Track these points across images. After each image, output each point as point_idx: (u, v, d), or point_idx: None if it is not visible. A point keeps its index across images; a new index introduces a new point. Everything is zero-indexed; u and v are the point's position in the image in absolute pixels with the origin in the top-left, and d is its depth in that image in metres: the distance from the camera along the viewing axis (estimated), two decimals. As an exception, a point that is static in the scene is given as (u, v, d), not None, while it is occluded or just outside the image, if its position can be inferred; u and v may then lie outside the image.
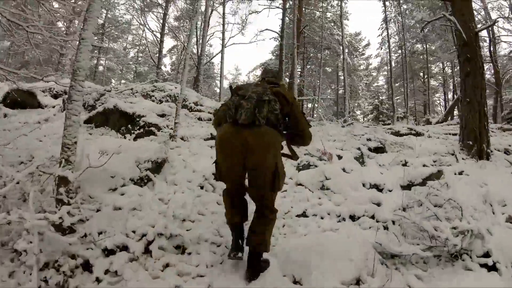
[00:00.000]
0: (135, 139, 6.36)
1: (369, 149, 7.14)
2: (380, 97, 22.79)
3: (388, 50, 20.63)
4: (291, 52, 16.59)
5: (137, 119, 7.00)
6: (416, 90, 29.51)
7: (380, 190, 4.78)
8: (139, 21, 22.56)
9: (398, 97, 31.20)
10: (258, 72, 36.03)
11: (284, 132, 2.97)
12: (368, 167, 6.05)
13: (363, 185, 4.63)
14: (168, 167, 4.22)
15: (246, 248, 2.83)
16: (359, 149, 6.87)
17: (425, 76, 29.83)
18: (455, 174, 5.55)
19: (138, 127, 6.83)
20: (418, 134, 10.44)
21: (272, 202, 2.88)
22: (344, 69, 15.11)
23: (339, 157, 6.27)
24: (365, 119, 29.70)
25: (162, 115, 7.35)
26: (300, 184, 4.56)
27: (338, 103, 31.52)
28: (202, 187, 4.04)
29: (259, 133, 2.65)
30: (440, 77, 30.53)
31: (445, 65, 29.17)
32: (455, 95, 30.78)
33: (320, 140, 7.19)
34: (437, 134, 10.58)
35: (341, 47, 25.57)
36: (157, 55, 21.53)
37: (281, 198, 4.26)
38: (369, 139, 7.73)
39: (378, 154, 7.12)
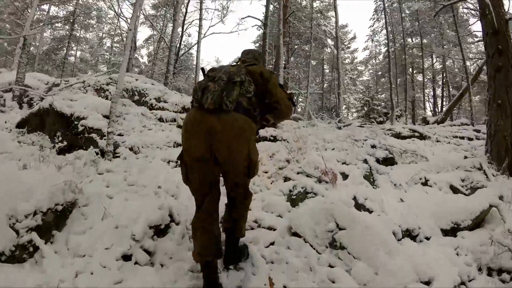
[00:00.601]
0: (59, 153, 4.62)
1: (377, 161, 5.65)
2: (370, 92, 20.97)
3: (380, 41, 19.07)
4: (275, 42, 14.92)
5: (75, 122, 5.26)
6: (404, 85, 28.23)
7: (414, 238, 3.23)
8: (112, 9, 20.14)
9: (384, 94, 29.98)
10: (240, 64, 34.24)
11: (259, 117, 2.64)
12: (382, 190, 4.52)
13: (393, 233, 3.04)
14: (78, 217, 2.47)
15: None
16: (365, 161, 5.37)
17: (414, 71, 28.65)
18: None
19: (73, 134, 5.10)
20: (423, 137, 9.04)
21: (247, 187, 2.64)
22: (338, 59, 13.39)
23: (344, 176, 4.70)
24: (352, 116, 28.27)
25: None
26: (296, 234, 2.93)
27: (323, 97, 30.10)
28: (128, 258, 2.29)
29: (227, 120, 2.32)
30: (429, 73, 29.33)
31: (435, 60, 28.00)
32: (444, 92, 29.78)
33: (316, 149, 5.62)
34: (445, 138, 9.19)
35: (327, 39, 24.13)
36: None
37: (268, 264, 2.61)
38: (373, 146, 6.26)
39: (387, 166, 5.65)
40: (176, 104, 7.51)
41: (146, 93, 7.21)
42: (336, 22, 14.10)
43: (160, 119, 6.28)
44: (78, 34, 28.31)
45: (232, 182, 2.52)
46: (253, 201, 3.35)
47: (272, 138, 6.33)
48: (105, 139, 4.84)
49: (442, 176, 5.16)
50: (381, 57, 31.65)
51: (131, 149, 4.81)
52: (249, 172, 2.46)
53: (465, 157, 6.44)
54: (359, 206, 3.68)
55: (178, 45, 19.25)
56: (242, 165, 2.41)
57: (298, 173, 4.52)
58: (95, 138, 4.96)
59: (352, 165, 4.95)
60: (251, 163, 2.43)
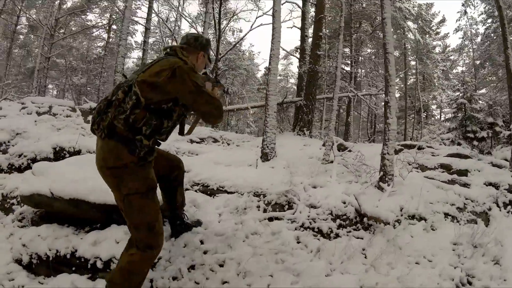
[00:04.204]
0: None
1: None
2: (467, 90, 14.09)
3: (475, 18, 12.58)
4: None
5: None
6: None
7: None
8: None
9: (486, 89, 22.72)
10: (294, 59, 29.72)
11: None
12: None
13: None
14: None
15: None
16: None
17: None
18: None
19: None
20: None
21: (139, 238, 2.24)
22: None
23: None
24: (441, 125, 21.16)
25: None
26: None
27: (407, 95, 23.91)
28: None
29: (98, 149, 2.28)
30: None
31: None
32: None
33: None
34: None
35: (407, 21, 18.30)
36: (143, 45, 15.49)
37: None
38: None
39: None
40: (21, 156, 4.86)
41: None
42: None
43: None
44: (119, 42, 25.84)
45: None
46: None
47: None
48: None
49: None
50: (479, 39, 23.96)
51: None
52: (127, 215, 2.25)
53: None
54: None
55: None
56: (120, 203, 2.26)
57: None
58: None
59: None
60: (123, 197, 2.21)
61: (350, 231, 3.24)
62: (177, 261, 2.70)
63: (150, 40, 25.56)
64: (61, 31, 21.19)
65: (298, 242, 3.07)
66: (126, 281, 2.21)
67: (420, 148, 7.21)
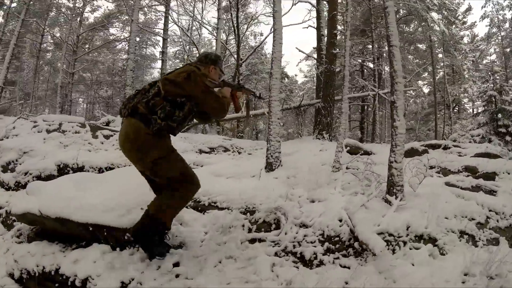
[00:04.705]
0: None
1: None
2: (497, 81, 13.24)
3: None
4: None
5: None
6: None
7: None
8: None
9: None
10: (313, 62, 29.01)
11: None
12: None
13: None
14: None
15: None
16: None
17: None
18: None
19: None
20: None
21: (175, 187, 2.79)
22: None
23: None
24: (472, 119, 19.94)
25: None
26: None
27: (436, 90, 22.73)
28: None
29: (122, 128, 2.82)
30: None
31: None
32: None
33: None
34: None
35: (430, 12, 17.52)
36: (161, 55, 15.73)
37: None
38: None
39: None
40: (26, 173, 5.16)
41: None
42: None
43: None
44: (128, 56, 26.22)
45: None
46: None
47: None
48: None
49: None
50: (507, 25, 22.56)
51: None
52: (154, 171, 2.77)
53: None
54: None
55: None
56: (147, 166, 2.78)
57: None
58: None
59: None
60: (156, 165, 2.73)
61: (338, 258, 2.83)
62: (147, 284, 2.58)
63: (174, 49, 26.05)
64: (85, 46, 21.89)
65: (272, 271, 2.74)
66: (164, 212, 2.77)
67: (446, 147, 6.73)
